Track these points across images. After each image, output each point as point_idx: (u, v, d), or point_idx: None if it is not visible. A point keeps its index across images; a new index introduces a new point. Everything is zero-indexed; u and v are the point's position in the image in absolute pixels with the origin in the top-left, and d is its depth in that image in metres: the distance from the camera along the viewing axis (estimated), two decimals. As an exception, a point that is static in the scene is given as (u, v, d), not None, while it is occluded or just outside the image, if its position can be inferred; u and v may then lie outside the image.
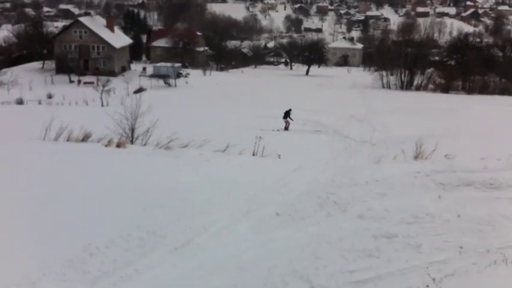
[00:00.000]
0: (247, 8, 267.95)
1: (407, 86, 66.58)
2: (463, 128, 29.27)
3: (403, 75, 67.13)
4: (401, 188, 11.12)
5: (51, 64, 72.46)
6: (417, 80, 66.93)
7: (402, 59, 67.34)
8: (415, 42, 72.88)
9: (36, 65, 75.60)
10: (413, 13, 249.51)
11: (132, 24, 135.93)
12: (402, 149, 15.15)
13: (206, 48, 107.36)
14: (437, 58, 77.43)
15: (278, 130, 29.33)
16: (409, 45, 71.50)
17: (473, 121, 33.40)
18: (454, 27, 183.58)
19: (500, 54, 72.26)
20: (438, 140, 16.21)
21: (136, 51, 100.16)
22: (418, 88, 65.75)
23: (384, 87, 66.33)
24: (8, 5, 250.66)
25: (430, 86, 65.68)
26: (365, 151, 21.86)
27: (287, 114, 30.33)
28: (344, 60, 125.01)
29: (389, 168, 12.72)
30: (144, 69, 75.36)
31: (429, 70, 69.00)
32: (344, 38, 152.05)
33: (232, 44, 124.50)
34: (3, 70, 48.08)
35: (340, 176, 12.40)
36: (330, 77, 79.94)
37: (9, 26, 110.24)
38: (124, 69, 75.77)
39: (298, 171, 13.49)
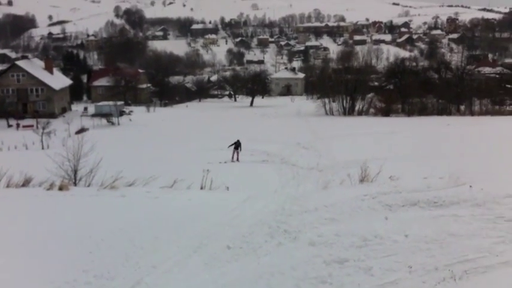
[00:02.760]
0: (189, 44, 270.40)
1: (349, 111, 68.04)
2: (405, 149, 30.11)
3: (344, 102, 68.61)
4: (350, 212, 11.23)
5: (-13, 109, 70.21)
6: (358, 105, 68.53)
7: (343, 85, 68.90)
8: (355, 69, 74.86)
9: (-28, 110, 73.07)
10: (351, 41, 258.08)
11: (71, 65, 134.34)
12: (348, 174, 15.39)
13: (149, 85, 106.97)
14: (376, 83, 79.70)
15: (226, 162, 29.25)
16: (348, 72, 73.38)
17: (414, 142, 34.43)
18: (391, 53, 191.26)
19: (436, 76, 75.05)
20: (382, 162, 16.58)
21: (77, 92, 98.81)
22: (360, 113, 67.31)
23: (327, 114, 67.58)
24: None
25: (371, 110, 67.30)
26: (313, 178, 22.04)
27: (238, 145, 30.27)
28: (287, 90, 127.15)
29: (336, 193, 12.88)
30: (86, 109, 74.23)
31: (369, 95, 70.87)
32: (286, 68, 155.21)
33: (175, 79, 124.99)
34: None
35: (290, 204, 12.41)
36: (274, 107, 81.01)
37: None
38: (64, 110, 74.33)
39: (247, 202, 13.42)
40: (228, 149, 30.34)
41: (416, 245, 8.80)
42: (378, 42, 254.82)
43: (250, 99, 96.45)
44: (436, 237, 9.05)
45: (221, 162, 28.59)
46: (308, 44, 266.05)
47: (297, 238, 10.05)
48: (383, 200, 11.73)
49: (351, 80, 69.56)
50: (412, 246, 8.77)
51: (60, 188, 14.88)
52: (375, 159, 19.26)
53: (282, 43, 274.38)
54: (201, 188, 16.23)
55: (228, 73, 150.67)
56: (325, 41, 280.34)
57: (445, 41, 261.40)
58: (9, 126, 61.91)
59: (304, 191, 16.50)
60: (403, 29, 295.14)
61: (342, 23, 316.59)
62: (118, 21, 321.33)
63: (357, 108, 68.44)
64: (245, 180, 20.83)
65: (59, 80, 77.42)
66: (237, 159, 30.00)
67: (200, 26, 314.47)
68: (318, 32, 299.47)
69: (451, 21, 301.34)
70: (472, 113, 62.42)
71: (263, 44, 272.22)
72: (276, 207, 12.29)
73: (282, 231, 10.47)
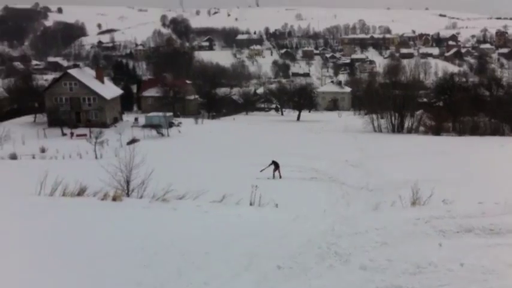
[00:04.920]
0: (234, 55, 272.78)
1: (398, 128, 66.97)
2: (457, 171, 29.40)
3: (393, 118, 67.60)
4: (402, 236, 11.03)
5: (43, 117, 72.80)
6: (408, 122, 67.37)
7: (391, 101, 68.00)
8: (402, 83, 73.74)
9: (28, 118, 75.84)
10: (397, 55, 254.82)
11: (121, 74, 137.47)
12: (399, 195, 15.16)
13: (197, 96, 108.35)
14: (425, 99, 78.39)
15: (274, 178, 29.31)
16: (396, 87, 72.36)
17: (466, 164, 33.55)
18: (439, 67, 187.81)
19: (488, 93, 73.07)
20: (434, 184, 16.26)
21: (127, 102, 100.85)
22: (410, 131, 66.12)
23: (375, 130, 66.69)
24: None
25: (421, 128, 66.04)
26: (362, 197, 21.82)
27: (277, 166, 30.23)
28: (334, 104, 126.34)
29: (388, 216, 12.69)
30: (136, 119, 75.61)
31: (418, 112, 69.62)
32: (332, 81, 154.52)
33: (222, 91, 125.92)
34: (-5, 125, 48.30)
35: (340, 225, 12.32)
36: (321, 122, 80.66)
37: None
38: (116, 120, 76.03)
39: (296, 220, 13.41)
40: (267, 169, 30.33)
41: (472, 275, 8.57)
42: (425, 55, 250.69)
43: (297, 113, 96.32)
44: (493, 267, 8.80)
45: (269, 178, 28.66)
46: (354, 56, 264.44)
47: (348, 261, 9.96)
48: (436, 225, 11.46)
49: (399, 96, 68.51)
50: (468, 276, 8.55)
51: (114, 199, 15.26)
52: (427, 181, 18.89)
53: (327, 55, 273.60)
54: (250, 204, 16.33)
55: (274, 86, 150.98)
56: (371, 54, 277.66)
57: (494, 55, 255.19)
58: (64, 134, 63.79)
59: (354, 211, 16.37)
60: (450, 42, 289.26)
61: (387, 35, 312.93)
62: (165, 31, 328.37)
63: (406, 125, 67.25)
64: (294, 198, 20.81)
65: (110, 90, 79.31)
66: (279, 175, 29.96)
67: (245, 36, 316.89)
68: (363, 44, 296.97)
69: (500, 34, 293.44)
70: (527, 135, 60.35)
71: (308, 56, 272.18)
72: (325, 228, 12.22)
73: (332, 253, 10.39)
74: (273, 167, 30.33)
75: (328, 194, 23.30)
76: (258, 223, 13.25)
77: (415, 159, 35.96)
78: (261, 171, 30.17)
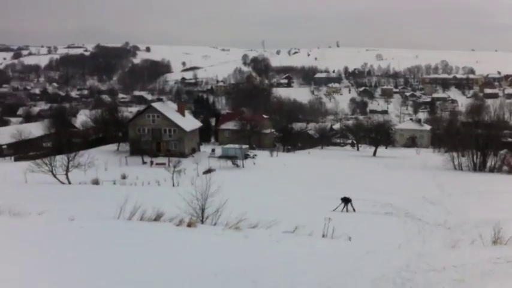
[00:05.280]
0: (312, 92, 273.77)
1: (480, 167, 64.38)
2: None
3: (475, 157, 65.12)
4: (481, 275, 10.52)
5: (125, 146, 76.21)
6: (490, 161, 64.66)
7: (473, 140, 65.69)
8: (486, 123, 71.10)
9: (112, 147, 79.48)
10: (481, 94, 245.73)
11: (201, 108, 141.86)
12: (479, 234, 14.52)
13: (273, 130, 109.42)
14: (510, 139, 74.99)
15: (346, 211, 28.93)
16: (479, 126, 69.88)
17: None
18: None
19: None
20: (518, 224, 15.47)
21: (205, 134, 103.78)
22: (492, 170, 63.38)
23: (455, 168, 64.46)
24: (85, 91, 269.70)
25: (505, 168, 63.13)
26: (440, 235, 21.02)
27: (347, 201, 29.82)
28: (412, 142, 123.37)
29: (466, 254, 12.17)
30: (213, 150, 77.27)
31: (502, 151, 66.70)
32: (411, 119, 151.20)
33: (298, 126, 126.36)
34: (81, 152, 50.65)
35: (416, 261, 11.93)
36: (398, 158, 78.87)
37: (87, 112, 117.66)
38: (194, 150, 78.13)
39: (370, 254, 13.10)
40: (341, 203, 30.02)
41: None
42: (510, 96, 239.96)
43: (372, 148, 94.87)
44: None
45: (343, 211, 28.29)
46: (435, 95, 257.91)
47: (423, 297, 9.60)
48: (518, 265, 10.87)
49: (481, 135, 66.07)
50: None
51: (189, 225, 15.64)
52: (509, 220, 17.99)
53: (407, 94, 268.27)
54: (323, 236, 16.17)
55: (350, 122, 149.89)
56: (453, 93, 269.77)
57: None
58: (144, 163, 66.17)
59: (430, 248, 15.79)
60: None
61: (471, 76, 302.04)
62: (245, 69, 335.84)
63: (488, 164, 64.56)
64: (367, 232, 20.41)
65: (189, 122, 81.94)
66: (352, 209, 29.48)
67: (324, 74, 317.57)
68: (445, 84, 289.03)
69: None
70: None
71: (387, 94, 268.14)
72: (400, 263, 11.86)
73: (407, 289, 10.06)
74: (343, 204, 29.94)
75: (403, 229, 22.62)
76: (330, 255, 13.08)
77: (497, 198, 34.30)
78: (334, 210, 29.83)
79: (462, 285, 10.06)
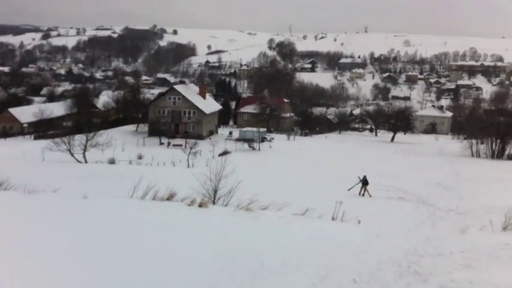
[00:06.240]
0: (335, 77, 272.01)
1: (498, 155, 63.60)
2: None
3: (494, 144, 64.32)
4: (488, 260, 10.52)
5: (144, 127, 76.71)
6: (509, 149, 63.82)
7: (494, 127, 64.83)
8: (509, 111, 70.04)
9: (131, 127, 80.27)
10: (507, 82, 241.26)
11: (223, 91, 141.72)
12: (490, 220, 14.45)
13: (292, 114, 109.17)
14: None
15: (362, 195, 28.92)
16: (501, 114, 68.88)
17: None
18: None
19: None
20: (531, 212, 15.28)
21: (225, 117, 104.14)
22: (511, 157, 62.60)
23: (473, 155, 63.78)
24: (110, 73, 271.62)
25: (524, 155, 62.28)
26: (450, 220, 20.93)
27: (365, 182, 29.75)
28: (432, 128, 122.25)
29: (475, 239, 12.17)
30: (231, 133, 77.60)
31: (522, 139, 65.74)
32: (433, 106, 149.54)
33: (318, 110, 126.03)
34: (100, 132, 51.23)
35: (423, 245, 11.95)
36: (417, 144, 78.26)
37: (110, 92, 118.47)
38: (211, 133, 78.61)
39: (379, 238, 13.16)
40: (357, 186, 29.95)
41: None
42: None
43: (391, 134, 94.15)
44: None
45: (355, 196, 28.27)
46: (459, 82, 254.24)
47: (427, 281, 9.60)
48: (527, 251, 10.84)
49: (503, 123, 65.15)
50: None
51: (200, 205, 15.76)
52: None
53: (432, 80, 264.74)
54: (333, 219, 16.22)
55: (371, 107, 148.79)
56: (479, 81, 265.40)
57: None
58: (161, 144, 66.62)
59: (439, 233, 15.76)
60: None
61: (499, 63, 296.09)
62: (270, 53, 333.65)
63: (507, 152, 63.72)
64: (378, 216, 20.39)
65: (210, 105, 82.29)
66: (368, 195, 29.43)
67: (349, 60, 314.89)
68: (471, 71, 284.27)
69: None
70: None
71: (411, 81, 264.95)
72: (408, 247, 11.91)
73: (412, 272, 10.09)
74: (360, 185, 29.91)
75: (414, 214, 22.54)
76: (338, 237, 13.15)
77: (513, 185, 33.89)
78: (349, 189, 29.82)
79: (468, 270, 10.07)
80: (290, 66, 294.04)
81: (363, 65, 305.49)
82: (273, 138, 70.42)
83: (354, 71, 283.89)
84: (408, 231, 15.64)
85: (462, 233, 13.85)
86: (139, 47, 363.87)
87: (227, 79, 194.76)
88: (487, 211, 21.18)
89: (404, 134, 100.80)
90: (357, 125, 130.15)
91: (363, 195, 29.52)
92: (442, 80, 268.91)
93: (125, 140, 62.13)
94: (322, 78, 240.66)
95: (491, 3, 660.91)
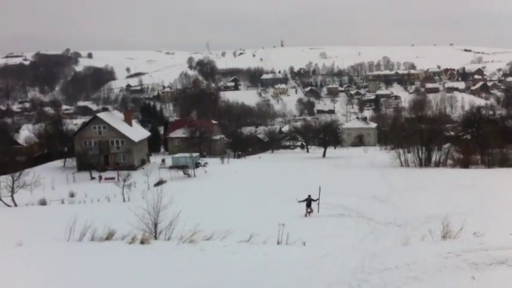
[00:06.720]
0: (259, 94, 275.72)
1: (425, 162, 66.28)
2: (487, 203, 28.85)
3: (420, 152, 67.02)
4: (434, 271, 10.81)
5: (72, 162, 73.66)
6: (435, 156, 66.68)
7: (417, 135, 67.57)
8: (429, 118, 73.33)
9: (58, 163, 77.07)
10: (423, 89, 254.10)
11: (149, 116, 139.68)
12: (429, 229, 14.93)
13: (222, 136, 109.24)
14: (452, 133, 77.61)
15: (306, 215, 29.18)
16: (422, 121, 71.99)
17: (497, 196, 32.89)
18: (466, 101, 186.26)
19: (516, 125, 72.05)
20: (465, 217, 15.97)
21: (154, 143, 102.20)
22: (437, 164, 65.38)
23: (402, 165, 66.11)
24: (27, 104, 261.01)
25: (449, 161, 65.23)
26: (391, 233, 21.49)
27: (310, 201, 30.05)
28: (359, 140, 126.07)
29: (418, 250, 12.47)
30: (163, 160, 76.32)
31: (446, 145, 68.96)
32: (357, 118, 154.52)
33: (247, 130, 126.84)
34: (26, 171, 48.88)
35: (369, 261, 12.13)
36: (347, 158, 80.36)
37: (30, 126, 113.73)
38: (143, 162, 76.78)
39: (325, 258, 13.23)
40: (300, 204, 30.20)
41: (508, 309, 8.34)
42: (451, 90, 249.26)
43: (322, 150, 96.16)
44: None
45: (297, 216, 28.46)
46: (378, 92, 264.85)
47: (378, 298, 9.77)
48: (468, 258, 11.23)
49: (425, 130, 68.10)
50: (503, 310, 8.32)
51: (142, 242, 15.29)
52: (457, 214, 18.60)
53: (352, 92, 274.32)
54: (278, 243, 16.22)
55: (299, 123, 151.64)
56: (396, 89, 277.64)
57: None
58: (92, 178, 64.57)
59: (383, 247, 16.10)
60: (476, 76, 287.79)
61: (412, 71, 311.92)
62: (191, 72, 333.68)
63: (433, 159, 66.57)
64: (321, 235, 20.61)
65: (137, 132, 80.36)
66: (310, 213, 29.73)
67: (270, 75, 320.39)
68: (388, 80, 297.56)
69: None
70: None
71: (333, 93, 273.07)
72: (355, 265, 12.04)
73: (363, 291, 10.22)
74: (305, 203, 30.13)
75: (356, 230, 23.02)
76: (286, 262, 13.12)
77: (444, 192, 35.45)
78: (300, 202, 30.02)
79: (416, 282, 10.31)
80: (213, 85, 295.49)
81: (284, 80, 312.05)
82: (207, 163, 70.03)
83: (276, 86, 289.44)
84: (353, 247, 15.87)
85: (405, 245, 14.19)
86: (54, 74, 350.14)
87: (151, 103, 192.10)
88: (425, 220, 21.97)
89: (335, 148, 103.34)
90: (287, 143, 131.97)
91: (309, 214, 29.69)
92: (362, 91, 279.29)
93: (53, 177, 59.83)
94: (247, 96, 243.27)
95: (398, 12, 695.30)
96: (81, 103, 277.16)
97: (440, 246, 12.61)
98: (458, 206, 24.53)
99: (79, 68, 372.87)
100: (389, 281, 10.52)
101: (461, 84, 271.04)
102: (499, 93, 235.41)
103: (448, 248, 12.14)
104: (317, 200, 30.02)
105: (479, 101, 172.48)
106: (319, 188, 30.86)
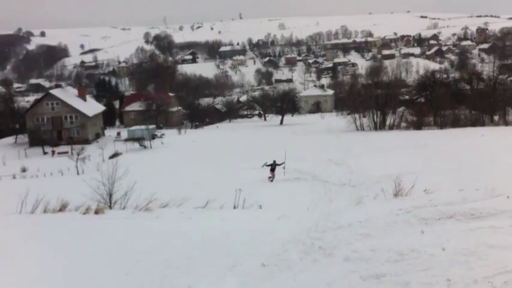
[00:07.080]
0: (218, 66, 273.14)
1: (380, 126, 67.52)
2: (439, 162, 29.62)
3: (375, 116, 68.15)
4: (385, 227, 11.07)
5: (24, 138, 72.17)
6: (390, 119, 67.97)
7: (373, 100, 68.57)
8: (384, 83, 74.35)
9: (9, 140, 75.12)
10: (379, 56, 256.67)
11: (104, 91, 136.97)
12: (381, 188, 15.23)
13: (180, 107, 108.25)
14: (407, 97, 78.93)
15: (271, 180, 29.31)
16: (378, 87, 72.93)
17: (448, 155, 33.80)
18: (421, 66, 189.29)
19: (468, 87, 73.79)
20: (416, 176, 16.34)
21: (110, 118, 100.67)
22: (392, 127, 66.70)
23: (358, 129, 67.14)
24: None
25: (403, 124, 66.64)
26: (345, 194, 21.88)
27: (274, 166, 30.17)
28: (317, 107, 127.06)
29: (370, 209, 12.73)
30: (119, 133, 75.39)
31: (400, 109, 70.26)
32: (315, 85, 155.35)
33: (205, 101, 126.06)
34: (-24, 148, 47.63)
35: (323, 221, 12.31)
36: (305, 124, 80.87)
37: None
38: (98, 136, 75.68)
39: (281, 219, 13.37)
40: (262, 168, 30.34)
41: (454, 258, 8.58)
42: (407, 55, 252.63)
43: (279, 118, 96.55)
44: (474, 249, 8.82)
45: (254, 181, 28.57)
46: (336, 60, 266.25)
47: (332, 254, 9.93)
48: (418, 214, 11.54)
49: (381, 95, 69.12)
50: (449, 260, 8.56)
51: (96, 212, 15.08)
52: (409, 173, 19.03)
53: (310, 61, 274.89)
54: (234, 208, 16.28)
55: (257, 93, 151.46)
56: (353, 57, 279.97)
57: (475, 51, 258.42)
58: (45, 153, 63.21)
59: (337, 207, 16.38)
60: (432, 42, 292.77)
61: (369, 39, 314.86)
62: (148, 47, 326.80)
63: (388, 122, 67.88)
64: (278, 199, 20.78)
65: (92, 107, 79.15)
66: (272, 178, 29.90)
67: (228, 48, 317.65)
68: (345, 49, 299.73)
69: (481, 31, 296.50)
70: (507, 123, 61.22)
71: (291, 63, 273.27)
72: (309, 224, 12.21)
73: (316, 248, 10.37)
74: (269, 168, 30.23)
75: (311, 192, 23.34)
76: (241, 225, 13.21)
77: (397, 153, 36.19)
78: (263, 166, 30.17)
79: (368, 239, 10.53)
80: (170, 59, 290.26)
81: (243, 52, 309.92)
82: (163, 134, 69.32)
83: (235, 58, 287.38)
84: (308, 209, 16.10)
85: (358, 205, 14.47)
86: (5, 54, 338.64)
87: (107, 78, 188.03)
88: (378, 180, 22.39)
89: (292, 115, 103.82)
90: (245, 112, 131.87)
91: (272, 180, 29.83)
92: (320, 60, 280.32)
93: (4, 153, 58.20)
94: (205, 69, 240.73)
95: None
96: (33, 81, 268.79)
97: (392, 204, 12.92)
98: (410, 166, 25.07)
99: (31, 46, 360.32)
100: (342, 238, 10.71)
101: (417, 50, 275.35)
102: (453, 57, 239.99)
103: (399, 205, 12.44)
104: (282, 164, 30.21)
105: (434, 65, 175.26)
106: (285, 153, 31.13)
